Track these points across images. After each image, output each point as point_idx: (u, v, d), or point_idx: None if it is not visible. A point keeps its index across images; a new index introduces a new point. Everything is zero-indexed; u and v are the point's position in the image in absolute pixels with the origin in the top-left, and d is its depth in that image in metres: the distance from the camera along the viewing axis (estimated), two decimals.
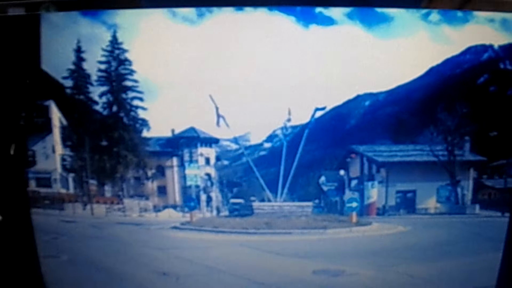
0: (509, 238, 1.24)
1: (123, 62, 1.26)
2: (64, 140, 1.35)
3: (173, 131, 1.34)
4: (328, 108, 1.26)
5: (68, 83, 1.28)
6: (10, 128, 1.27)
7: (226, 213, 1.42)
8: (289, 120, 1.28)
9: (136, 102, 1.31)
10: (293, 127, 1.31)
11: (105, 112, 1.34)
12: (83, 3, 1.19)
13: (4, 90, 1.24)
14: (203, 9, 1.17)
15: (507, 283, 1.25)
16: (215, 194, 1.43)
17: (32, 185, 1.36)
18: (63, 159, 1.36)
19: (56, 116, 1.34)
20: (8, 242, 1.27)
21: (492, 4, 1.16)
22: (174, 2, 1.18)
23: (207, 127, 1.30)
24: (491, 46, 1.22)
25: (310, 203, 1.38)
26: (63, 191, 1.38)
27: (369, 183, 1.39)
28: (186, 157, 1.43)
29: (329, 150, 1.37)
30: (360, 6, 1.17)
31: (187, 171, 1.43)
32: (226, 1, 1.16)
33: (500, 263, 1.25)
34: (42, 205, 1.37)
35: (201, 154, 1.42)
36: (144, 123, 1.32)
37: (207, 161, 1.42)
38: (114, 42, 1.23)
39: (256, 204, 1.39)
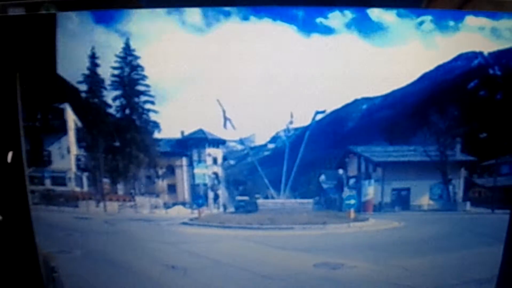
0: (509, 236, 1.26)
1: (135, 68, 1.30)
2: (78, 141, 1.38)
3: (182, 132, 1.38)
4: (328, 111, 1.30)
5: (83, 87, 1.32)
6: (16, 130, 1.29)
7: (232, 209, 1.45)
8: (291, 122, 1.32)
9: (148, 106, 1.35)
10: (295, 129, 1.35)
11: (118, 115, 1.37)
12: (83, 3, 1.21)
13: (20, 92, 1.27)
14: (211, 18, 1.22)
15: (508, 282, 1.27)
16: (222, 191, 1.46)
17: (48, 183, 1.39)
18: (77, 159, 1.40)
19: (71, 118, 1.37)
20: (8, 242, 1.27)
21: (492, 4, 1.16)
22: (174, 2, 1.21)
23: (214, 129, 1.34)
24: (481, 53, 1.26)
25: (311, 200, 1.41)
26: (77, 189, 1.41)
27: (366, 182, 1.42)
28: (195, 157, 1.46)
29: (328, 151, 1.41)
30: (361, 6, 1.20)
31: (196, 170, 1.46)
32: (227, 1, 1.20)
33: (501, 260, 1.27)
34: (56, 202, 1.40)
35: (209, 155, 1.45)
36: (155, 125, 1.35)
37: (215, 161, 1.46)
38: (127, 49, 1.27)
39: (260, 201, 1.43)
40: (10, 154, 1.28)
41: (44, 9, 1.21)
